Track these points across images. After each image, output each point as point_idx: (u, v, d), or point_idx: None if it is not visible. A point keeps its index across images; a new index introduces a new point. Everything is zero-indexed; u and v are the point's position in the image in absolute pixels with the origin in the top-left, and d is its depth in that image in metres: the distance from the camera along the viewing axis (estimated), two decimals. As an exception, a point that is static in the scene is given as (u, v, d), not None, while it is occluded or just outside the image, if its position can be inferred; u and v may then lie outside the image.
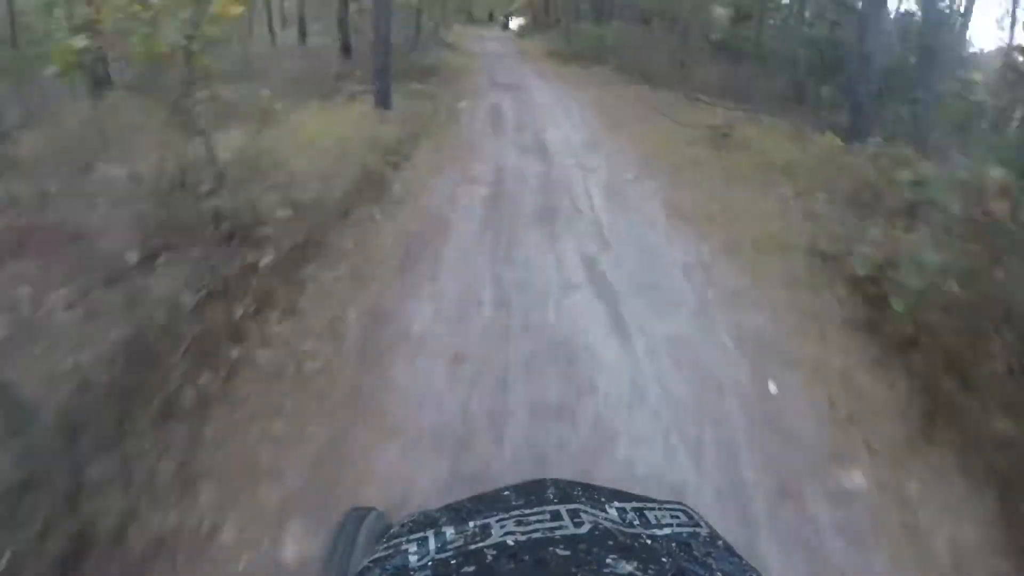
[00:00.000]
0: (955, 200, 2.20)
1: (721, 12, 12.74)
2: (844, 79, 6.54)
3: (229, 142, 3.05)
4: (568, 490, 0.66)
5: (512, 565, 0.52)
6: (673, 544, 0.59)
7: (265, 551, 1.49)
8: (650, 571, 0.51)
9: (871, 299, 2.64)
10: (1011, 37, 8.95)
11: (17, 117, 3.60)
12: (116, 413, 1.63)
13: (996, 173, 2.12)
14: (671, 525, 0.63)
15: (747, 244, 3.31)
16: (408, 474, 1.72)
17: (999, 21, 12.29)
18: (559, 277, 2.98)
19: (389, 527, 0.68)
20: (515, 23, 29.65)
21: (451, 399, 2.04)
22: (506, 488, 0.68)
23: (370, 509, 1.10)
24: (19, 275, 1.86)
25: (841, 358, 2.41)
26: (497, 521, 0.60)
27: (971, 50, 9.81)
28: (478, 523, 0.60)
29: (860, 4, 6.61)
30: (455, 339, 2.40)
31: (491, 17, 30.16)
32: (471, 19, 29.62)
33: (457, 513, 0.65)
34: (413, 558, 0.58)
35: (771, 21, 12.01)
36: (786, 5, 12.31)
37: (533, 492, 0.66)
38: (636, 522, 0.62)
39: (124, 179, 2.30)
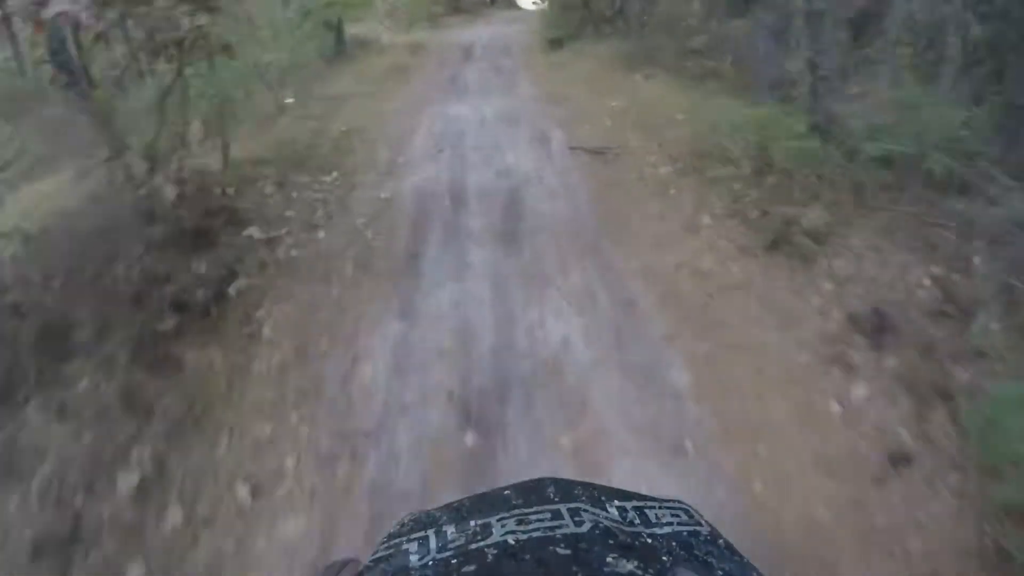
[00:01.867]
0: None
1: None
2: None
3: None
4: (568, 489, 0.65)
5: (513, 564, 0.50)
6: (674, 543, 0.57)
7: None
8: (650, 570, 0.49)
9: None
10: None
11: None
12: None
13: None
14: (672, 524, 0.62)
15: None
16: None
17: None
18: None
19: None
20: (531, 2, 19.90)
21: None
22: (506, 487, 0.67)
23: (348, 561, 1.01)
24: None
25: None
26: (498, 520, 0.59)
27: None
28: (479, 522, 0.59)
29: None
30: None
31: None
32: (458, 6, 19.70)
33: (458, 512, 0.64)
34: (414, 557, 0.56)
35: None
36: None
37: (533, 491, 0.65)
38: (637, 521, 0.61)
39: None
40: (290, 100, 8.26)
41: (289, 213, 4.59)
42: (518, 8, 22.01)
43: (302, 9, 10.15)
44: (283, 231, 4.36)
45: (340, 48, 11.54)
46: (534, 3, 19.41)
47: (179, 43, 4.23)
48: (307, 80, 9.36)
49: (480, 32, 14.54)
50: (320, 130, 6.64)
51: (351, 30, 15.72)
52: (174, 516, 2.48)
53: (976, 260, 3.49)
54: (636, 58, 8.28)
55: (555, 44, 11.17)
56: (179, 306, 3.59)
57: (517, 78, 9.15)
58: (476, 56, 11.42)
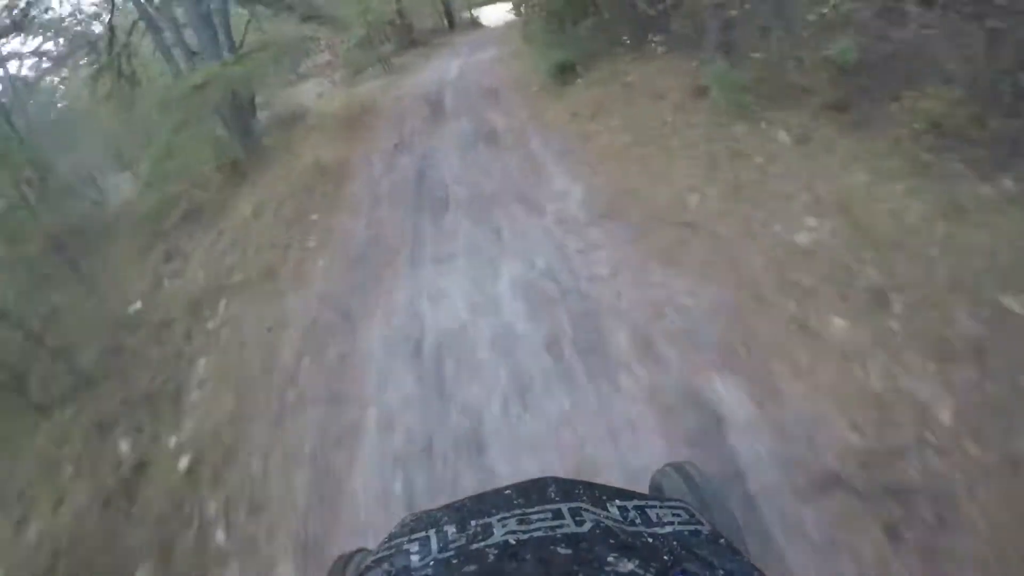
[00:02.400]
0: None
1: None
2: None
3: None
4: (569, 488, 0.65)
5: (514, 564, 0.50)
6: (675, 542, 0.57)
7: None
8: (651, 569, 0.48)
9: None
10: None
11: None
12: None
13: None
14: (672, 523, 0.61)
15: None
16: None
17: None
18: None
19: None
20: (497, 14, 16.80)
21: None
22: (507, 487, 0.66)
23: (358, 551, 1.02)
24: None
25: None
26: (499, 520, 0.58)
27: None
28: (480, 522, 0.58)
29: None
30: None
31: (450, 21, 18.82)
32: (412, 38, 16.16)
33: (458, 512, 0.63)
34: (415, 558, 0.55)
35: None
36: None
37: (534, 491, 0.64)
38: (638, 520, 0.61)
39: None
40: (137, 306, 4.27)
41: None
42: (482, 26, 18.32)
43: (169, 97, 6.40)
44: None
45: (248, 141, 7.42)
46: (510, 11, 15.74)
47: None
48: (175, 232, 5.63)
49: (446, 68, 10.57)
50: (140, 472, 2.63)
51: (278, 98, 11.87)
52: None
53: None
54: (745, 91, 4.07)
55: (564, 74, 7.23)
56: None
57: (532, 155, 4.94)
58: (449, 113, 7.30)
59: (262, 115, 9.52)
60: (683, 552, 0.53)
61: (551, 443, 2.17)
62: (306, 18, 8.32)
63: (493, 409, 2.41)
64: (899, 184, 3.07)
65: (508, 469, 2.12)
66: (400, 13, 15.98)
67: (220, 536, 2.27)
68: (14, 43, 8.83)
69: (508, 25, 14.63)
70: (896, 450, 1.87)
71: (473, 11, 18.98)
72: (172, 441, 2.81)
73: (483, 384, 2.57)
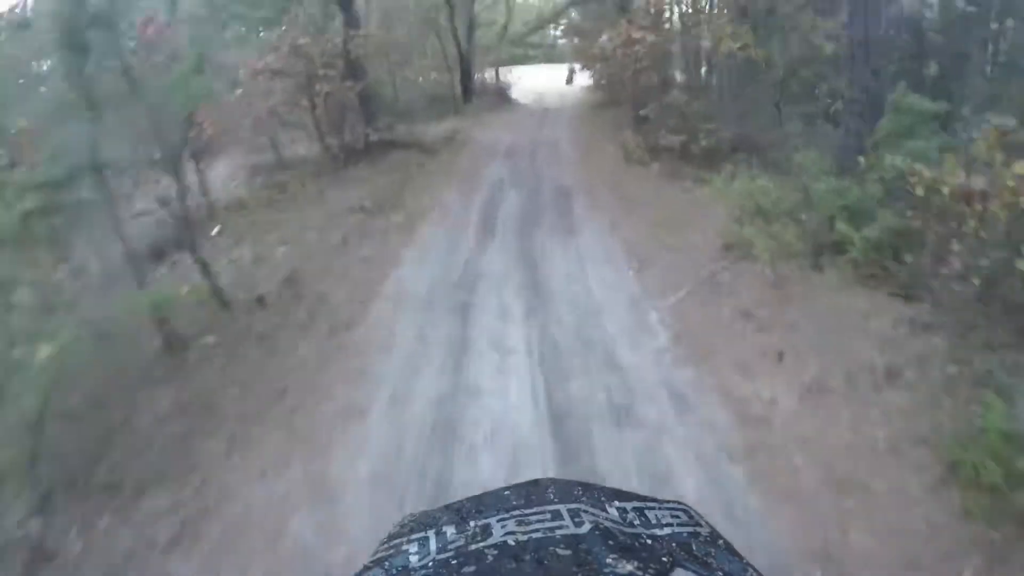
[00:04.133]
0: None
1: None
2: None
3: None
4: (568, 490, 0.64)
5: (513, 565, 0.50)
6: (673, 544, 0.56)
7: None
8: (650, 571, 0.48)
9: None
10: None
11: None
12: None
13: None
14: (671, 525, 0.61)
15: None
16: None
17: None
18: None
19: None
20: (541, 84, 13.33)
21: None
22: (506, 488, 0.65)
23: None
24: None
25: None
26: (498, 521, 0.57)
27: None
28: (479, 523, 0.58)
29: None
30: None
31: (465, 88, 9.49)
32: (356, 147, 9.29)
33: (458, 513, 0.62)
34: (414, 558, 0.55)
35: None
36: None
37: (533, 492, 0.63)
38: (636, 522, 0.60)
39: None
40: None
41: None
42: (516, 104, 11.21)
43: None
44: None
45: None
46: (574, 78, 8.77)
47: None
48: None
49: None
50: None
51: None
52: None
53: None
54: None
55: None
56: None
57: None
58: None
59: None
60: (682, 553, 0.52)
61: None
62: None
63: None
64: None
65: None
66: (348, 54, 6.95)
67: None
68: None
69: (573, 115, 7.64)
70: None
71: (500, 72, 11.89)
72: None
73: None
